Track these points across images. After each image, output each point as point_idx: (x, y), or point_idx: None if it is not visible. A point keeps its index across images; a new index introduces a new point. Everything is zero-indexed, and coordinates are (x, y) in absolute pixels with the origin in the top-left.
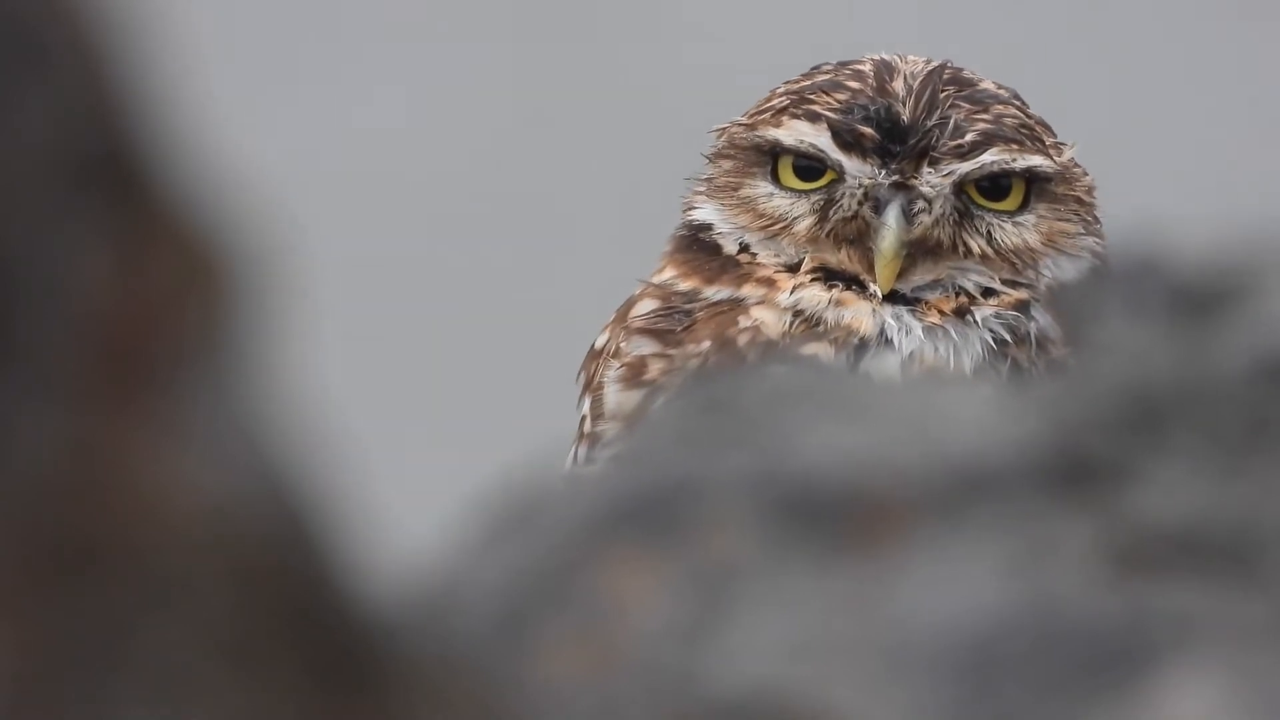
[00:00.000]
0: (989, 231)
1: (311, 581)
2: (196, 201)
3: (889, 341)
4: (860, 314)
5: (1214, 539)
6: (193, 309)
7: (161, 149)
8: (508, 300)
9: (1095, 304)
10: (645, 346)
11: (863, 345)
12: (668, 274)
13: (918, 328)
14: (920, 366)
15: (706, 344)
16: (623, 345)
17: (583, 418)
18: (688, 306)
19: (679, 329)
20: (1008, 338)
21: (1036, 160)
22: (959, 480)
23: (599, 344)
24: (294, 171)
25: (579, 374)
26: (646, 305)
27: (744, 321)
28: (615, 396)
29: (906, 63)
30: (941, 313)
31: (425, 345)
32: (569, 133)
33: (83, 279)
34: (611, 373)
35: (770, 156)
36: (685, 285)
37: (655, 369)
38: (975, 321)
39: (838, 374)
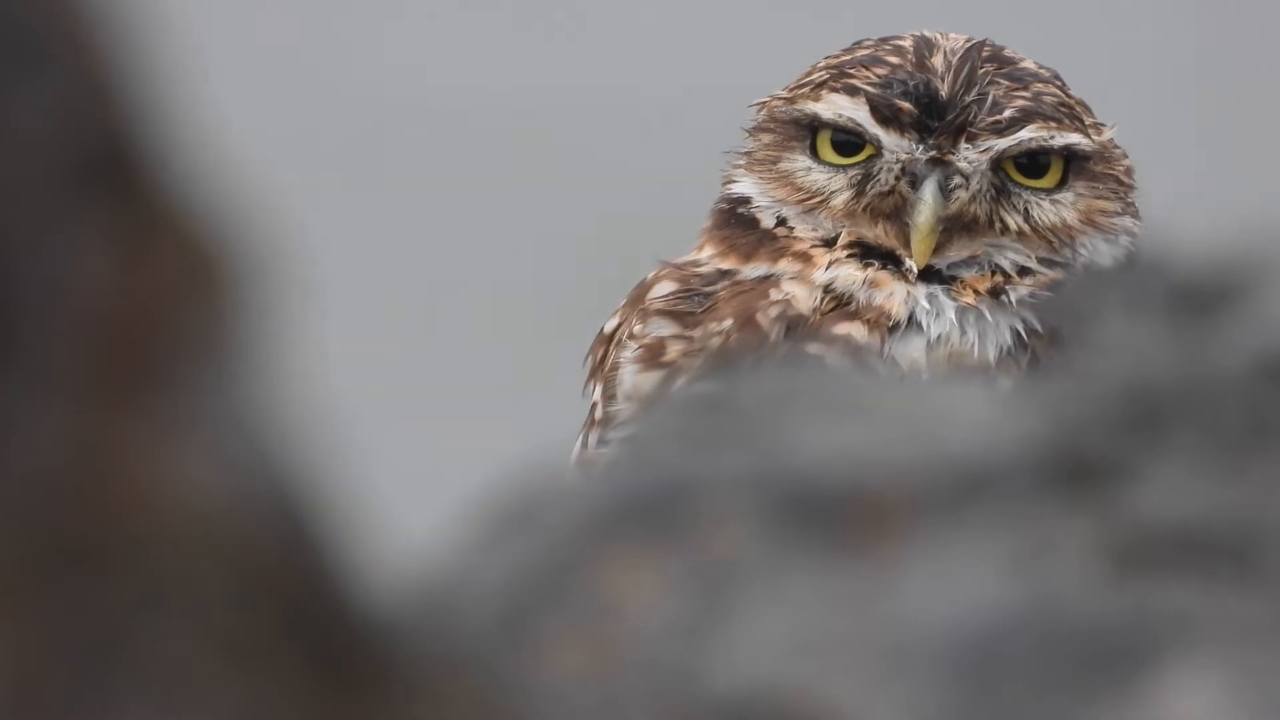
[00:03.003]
0: (1026, 209)
1: (312, 579)
2: (198, 199)
3: (918, 325)
4: (894, 296)
5: (1214, 538)
6: (194, 307)
7: (163, 147)
8: (509, 298)
9: (1096, 302)
10: (664, 328)
11: (895, 328)
12: (707, 251)
13: (949, 310)
14: (945, 351)
15: (728, 322)
16: (640, 327)
17: (594, 405)
18: (707, 289)
19: (699, 310)
20: (1037, 327)
21: (1075, 138)
22: (959, 479)
23: (608, 328)
24: (295, 168)
25: (586, 358)
26: (665, 287)
27: (775, 294)
28: (632, 378)
29: (947, 39)
30: (976, 292)
31: (426, 343)
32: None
33: (84, 277)
34: (629, 353)
35: (809, 130)
36: (725, 264)
37: (674, 350)
38: (1010, 302)
39: (838, 372)
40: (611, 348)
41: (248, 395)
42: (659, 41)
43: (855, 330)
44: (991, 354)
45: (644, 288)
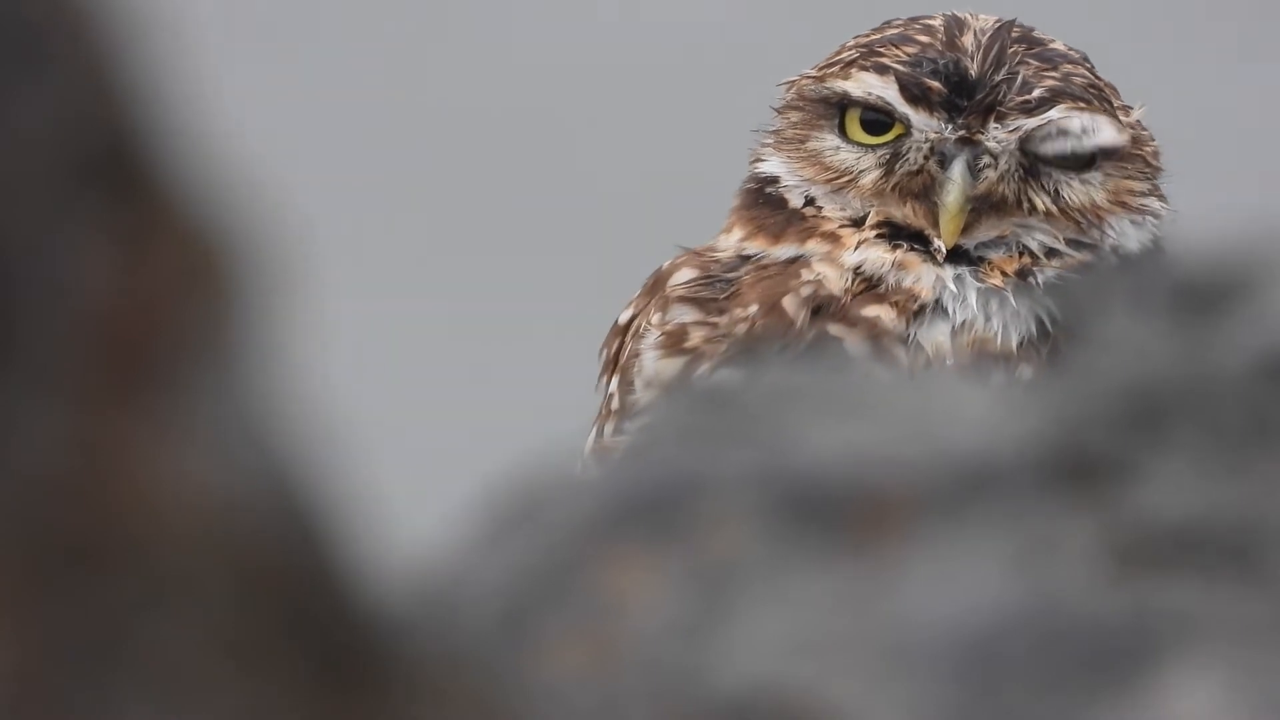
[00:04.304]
0: (1055, 189)
1: (314, 579)
2: (199, 197)
3: (943, 310)
4: (921, 279)
5: (1216, 536)
6: (195, 305)
7: (164, 144)
8: (510, 297)
9: (1099, 300)
10: (686, 314)
11: (921, 311)
12: (736, 234)
13: (974, 295)
14: (969, 337)
15: (754, 308)
16: (660, 314)
17: (609, 395)
18: (728, 275)
19: (721, 297)
20: (1059, 319)
21: (1103, 119)
22: (961, 477)
23: (623, 319)
24: (296, 166)
25: (601, 351)
26: (686, 274)
27: (806, 275)
28: (654, 364)
29: (977, 19)
30: (1004, 274)
31: (428, 342)
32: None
33: (84, 276)
34: (650, 339)
35: (838, 109)
36: (753, 244)
37: (697, 336)
38: (1037, 284)
39: (840, 371)
40: (627, 339)
41: (249, 395)
42: None
43: (883, 313)
44: (1014, 342)
45: (662, 276)
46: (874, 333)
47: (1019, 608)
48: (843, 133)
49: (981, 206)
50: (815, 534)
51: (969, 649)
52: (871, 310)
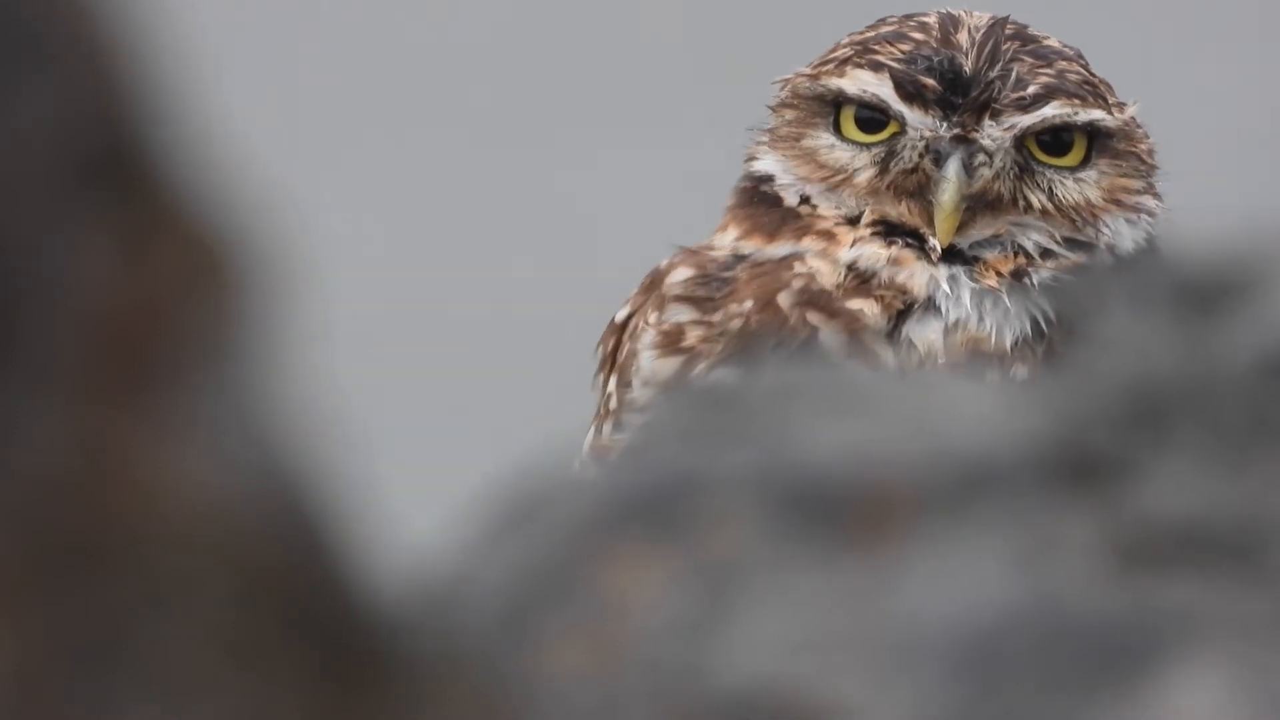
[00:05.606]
0: (1050, 187)
1: (315, 578)
2: (202, 196)
3: (936, 308)
4: (915, 276)
5: (1218, 534)
6: (197, 304)
7: (166, 143)
8: (511, 296)
9: (1100, 298)
10: (683, 313)
11: (909, 308)
12: (731, 233)
13: (968, 294)
14: (962, 337)
15: (749, 304)
16: (657, 313)
17: (608, 395)
18: (725, 274)
19: (717, 295)
20: (1053, 318)
21: (1098, 114)
22: (963, 475)
23: (619, 317)
24: (298, 165)
25: (596, 348)
26: (682, 273)
27: (799, 268)
28: (651, 363)
29: (971, 16)
30: (999, 274)
31: (430, 341)
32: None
33: (86, 275)
34: (647, 338)
35: (833, 107)
36: (749, 243)
37: (693, 335)
38: (1032, 284)
39: (841, 368)
40: (624, 337)
41: (250, 394)
42: None
43: (867, 306)
44: (1008, 341)
45: (659, 275)
46: (853, 326)
47: (1020, 606)
48: (838, 131)
49: (976, 205)
50: (816, 532)
51: (970, 647)
52: (855, 304)
